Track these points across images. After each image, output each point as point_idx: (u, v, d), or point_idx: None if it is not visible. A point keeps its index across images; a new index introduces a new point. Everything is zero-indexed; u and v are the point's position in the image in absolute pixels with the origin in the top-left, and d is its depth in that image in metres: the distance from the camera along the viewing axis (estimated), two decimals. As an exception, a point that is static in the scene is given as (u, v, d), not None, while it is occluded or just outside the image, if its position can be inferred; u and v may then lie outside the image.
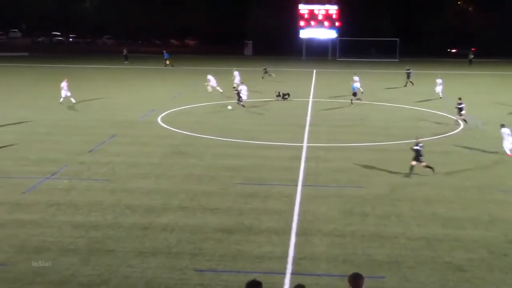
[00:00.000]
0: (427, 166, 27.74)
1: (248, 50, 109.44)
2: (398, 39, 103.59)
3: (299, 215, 22.52)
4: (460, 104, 39.72)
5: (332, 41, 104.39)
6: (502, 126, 32.36)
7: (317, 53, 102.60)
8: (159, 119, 41.73)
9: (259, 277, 17.09)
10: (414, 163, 27.70)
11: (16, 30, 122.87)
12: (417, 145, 27.62)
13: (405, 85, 62.06)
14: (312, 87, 61.16)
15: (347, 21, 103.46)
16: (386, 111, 46.78)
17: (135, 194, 24.81)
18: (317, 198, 24.57)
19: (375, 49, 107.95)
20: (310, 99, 52.10)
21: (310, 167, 29.43)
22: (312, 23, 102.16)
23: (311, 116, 43.97)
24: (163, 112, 44.21)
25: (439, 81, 53.56)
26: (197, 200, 24.10)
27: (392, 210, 23.13)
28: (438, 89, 53.29)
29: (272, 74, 67.58)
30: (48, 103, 48.00)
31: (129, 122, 40.53)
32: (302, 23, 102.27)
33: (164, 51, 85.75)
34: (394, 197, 24.80)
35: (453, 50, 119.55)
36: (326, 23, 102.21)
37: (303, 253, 19.00)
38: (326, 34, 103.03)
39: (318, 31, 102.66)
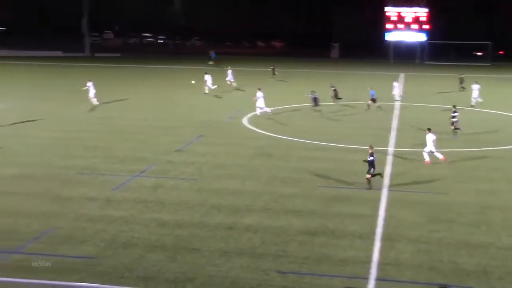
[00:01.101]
0: (368, 180, 26.00)
1: (335, 52, 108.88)
2: (490, 42, 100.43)
3: (383, 220, 22.21)
4: (454, 112, 37.29)
5: (420, 44, 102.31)
6: (429, 130, 30.51)
7: (404, 56, 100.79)
8: (245, 120, 42.08)
9: (342, 282, 17.05)
10: (368, 176, 26.10)
11: (109, 32, 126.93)
12: (371, 155, 26.10)
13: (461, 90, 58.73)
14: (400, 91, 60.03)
15: (434, 24, 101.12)
16: (477, 117, 45.40)
17: (221, 194, 25.12)
18: (402, 203, 24.15)
19: (466, 52, 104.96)
20: (397, 103, 51.26)
21: (395, 171, 28.96)
22: (400, 25, 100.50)
23: (398, 120, 43.24)
24: (249, 113, 44.54)
25: (475, 86, 50.28)
26: (281, 202, 24.15)
27: (481, 218, 22.45)
28: (475, 94, 49.89)
29: (276, 73, 67.23)
30: (137, 102, 49.22)
31: (215, 123, 41.06)
32: (389, 25, 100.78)
33: (211, 52, 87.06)
34: (483, 204, 24.07)
35: None
36: (414, 26, 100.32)
37: (388, 258, 18.72)
38: (414, 37, 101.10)
39: (406, 34, 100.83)
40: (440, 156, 30.28)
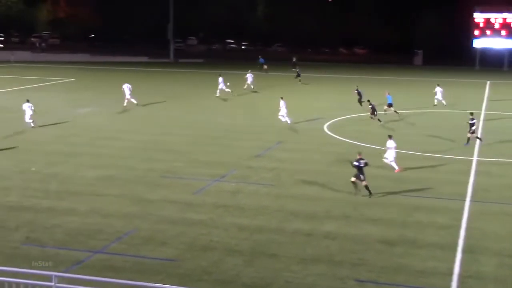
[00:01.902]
0: (366, 187, 25.39)
1: (418, 59, 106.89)
2: None
3: (466, 231, 21.64)
4: (472, 120, 35.86)
5: (508, 51, 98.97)
6: (390, 137, 29.83)
7: (491, 63, 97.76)
8: (325, 127, 41.91)
9: (421, 293, 16.69)
10: (353, 179, 25.53)
11: (193, 38, 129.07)
12: (357, 161, 25.37)
13: None
14: (484, 99, 58.39)
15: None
16: None
17: (299, 200, 25.11)
18: (486, 215, 23.46)
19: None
20: (482, 111, 49.81)
21: (479, 182, 28.17)
22: (488, 32, 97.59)
23: (483, 129, 42.02)
24: (329, 120, 44.33)
25: (437, 89, 52.05)
26: (360, 210, 23.92)
27: None
28: (438, 96, 51.58)
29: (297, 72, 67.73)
30: (220, 107, 49.82)
31: (295, 129, 41.08)
32: (476, 32, 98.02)
33: (259, 56, 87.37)
34: None
35: None
36: (503, 32, 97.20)
37: (469, 271, 18.22)
38: (503, 43, 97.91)
39: (495, 41, 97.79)
40: (396, 166, 29.64)
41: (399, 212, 23.70)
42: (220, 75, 56.56)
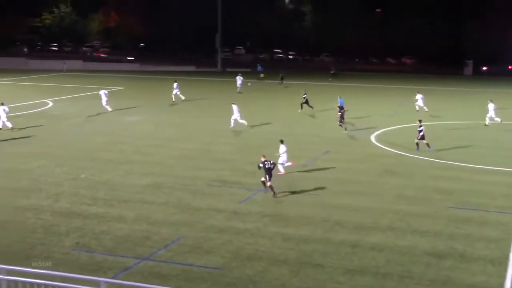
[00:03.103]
0: (270, 187, 26.82)
1: (468, 69, 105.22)
2: None
3: (517, 245, 21.14)
4: (420, 127, 36.58)
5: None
6: (281, 142, 30.95)
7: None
8: (373, 137, 41.55)
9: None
10: (263, 179, 27.06)
11: (241, 47, 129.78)
12: (262, 163, 26.95)
13: None
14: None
15: None
16: None
17: (345, 211, 24.94)
18: (538, 229, 22.89)
19: None
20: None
21: (531, 195, 27.52)
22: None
23: (535, 140, 41.06)
24: (377, 130, 43.94)
25: (418, 96, 52.99)
26: (407, 221, 23.61)
27: None
28: (419, 103, 52.52)
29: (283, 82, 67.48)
30: (267, 116, 49.85)
31: (342, 139, 40.85)
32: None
33: (258, 64, 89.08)
34: None
35: None
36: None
37: (520, 286, 17.79)
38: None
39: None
40: (281, 170, 30.54)
41: (448, 224, 23.32)
42: (175, 81, 57.67)
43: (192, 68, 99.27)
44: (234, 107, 44.53)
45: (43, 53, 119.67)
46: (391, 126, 46.10)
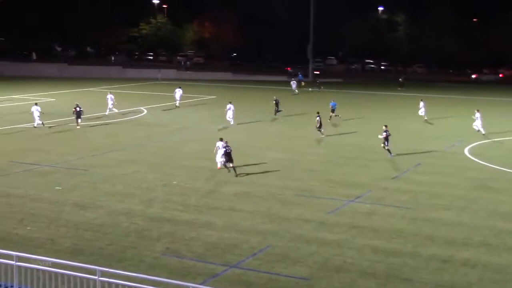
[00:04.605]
0: (234, 168, 31.83)
1: None
2: None
3: None
4: (385, 131, 37.56)
5: None
6: (220, 139, 33.17)
7: None
8: (466, 150, 40.39)
9: None
10: (219, 165, 32.24)
11: (332, 57, 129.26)
12: (223, 148, 31.73)
13: None
14: None
15: None
16: None
17: (436, 225, 24.37)
18: None
19: None
20: None
21: None
22: None
23: None
24: (471, 143, 42.67)
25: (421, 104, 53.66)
26: (502, 238, 22.82)
27: None
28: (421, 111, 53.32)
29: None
30: (358, 127, 49.42)
31: (435, 152, 39.92)
32: None
33: (298, 73, 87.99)
34: None
35: None
36: None
37: None
38: None
39: None
40: (219, 165, 32.99)
41: (545, 242, 22.37)
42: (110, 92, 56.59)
43: (283, 78, 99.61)
44: (230, 106, 49.14)
45: (140, 62, 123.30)
46: (486, 139, 44.61)
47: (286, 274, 19.25)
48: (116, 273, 14.15)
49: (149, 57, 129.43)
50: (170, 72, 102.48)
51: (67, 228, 23.55)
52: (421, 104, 54.30)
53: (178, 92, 60.29)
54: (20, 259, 14.37)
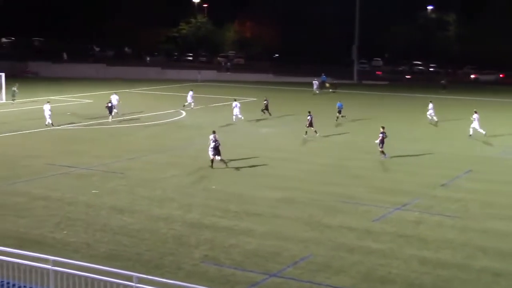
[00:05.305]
0: (223, 161, 34.39)
1: None
2: None
3: None
4: (382, 133, 37.82)
5: None
6: (213, 132, 35.22)
7: None
8: (520, 157, 39.66)
9: None
10: (212, 157, 34.28)
11: (378, 59, 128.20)
12: (213, 142, 34.16)
13: None
14: None
15: None
16: None
17: (488, 236, 23.96)
18: None
19: None
20: None
21: None
22: None
23: None
24: (525, 150, 41.89)
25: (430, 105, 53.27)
26: (558, 251, 22.30)
27: None
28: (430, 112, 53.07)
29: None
30: (406, 132, 48.94)
31: (487, 158, 39.28)
32: None
33: (322, 74, 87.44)
34: None
35: None
36: None
37: None
38: None
39: None
40: (211, 156, 34.68)
41: None
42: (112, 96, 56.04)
43: (328, 80, 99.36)
44: (236, 103, 52.03)
45: (179, 63, 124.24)
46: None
47: (328, 284, 19.13)
48: (153, 280, 14.26)
49: (189, 58, 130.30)
50: (210, 73, 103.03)
51: (104, 232, 23.84)
52: (430, 105, 53.52)
53: (190, 94, 61.49)
54: (56, 263, 14.58)
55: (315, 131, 45.32)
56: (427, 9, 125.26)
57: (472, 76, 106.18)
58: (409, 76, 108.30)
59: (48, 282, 14.56)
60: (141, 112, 55.61)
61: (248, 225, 24.93)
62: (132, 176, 33.09)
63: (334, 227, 24.90)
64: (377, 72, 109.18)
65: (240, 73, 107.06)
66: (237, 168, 34.94)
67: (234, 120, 51.70)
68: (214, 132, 35.18)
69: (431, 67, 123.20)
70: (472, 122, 46.16)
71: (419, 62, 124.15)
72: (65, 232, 23.84)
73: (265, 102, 56.01)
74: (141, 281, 13.90)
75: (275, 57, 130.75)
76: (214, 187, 30.97)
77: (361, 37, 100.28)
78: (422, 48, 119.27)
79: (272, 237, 23.49)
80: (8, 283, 15.13)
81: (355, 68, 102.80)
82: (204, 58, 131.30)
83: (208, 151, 34.88)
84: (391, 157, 37.85)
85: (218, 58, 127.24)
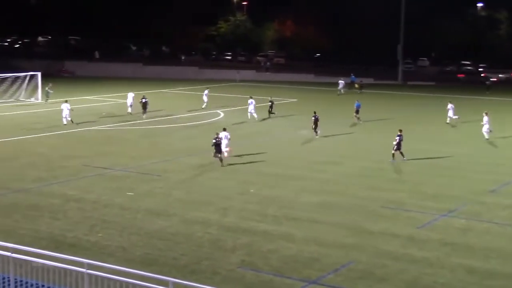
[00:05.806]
0: (220, 159, 35.42)
1: None
2: None
3: None
4: (398, 135, 38.04)
5: None
6: (224, 129, 37.27)
7: None
8: None
9: None
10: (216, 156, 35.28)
11: (425, 59, 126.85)
12: (214, 139, 35.30)
13: None
14: None
15: None
16: None
17: (539, 245, 23.53)
18: None
19: None
20: None
21: None
22: None
23: None
24: None
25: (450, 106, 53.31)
26: None
27: None
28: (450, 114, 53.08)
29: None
30: (451, 136, 48.37)
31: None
32: None
33: (351, 74, 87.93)
34: None
35: None
36: None
37: None
38: None
39: None
40: (225, 154, 36.32)
41: None
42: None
43: (370, 81, 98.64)
44: (252, 100, 53.79)
45: (218, 62, 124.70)
46: None
47: (371, 293, 19.00)
48: (189, 285, 14.32)
49: (227, 57, 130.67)
50: (249, 73, 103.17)
51: (139, 236, 24.05)
52: (449, 106, 53.31)
53: (205, 92, 62.48)
54: (91, 266, 14.75)
55: (316, 132, 45.73)
56: (476, 6, 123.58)
57: None
58: (462, 75, 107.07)
59: (83, 286, 14.73)
60: (179, 113, 55.88)
61: (287, 230, 24.90)
62: (168, 178, 33.34)
63: (376, 233, 24.71)
64: (458, 75, 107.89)
65: (280, 73, 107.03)
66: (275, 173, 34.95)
67: (248, 117, 53.14)
68: (225, 130, 37.25)
69: (481, 67, 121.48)
70: (482, 126, 45.94)
71: (468, 62, 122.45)
72: (100, 235, 24.11)
73: (269, 103, 56.45)
74: (177, 286, 13.96)
75: (316, 57, 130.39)
76: (252, 190, 31.01)
77: (406, 36, 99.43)
78: (471, 47, 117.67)
79: (312, 243, 23.42)
80: (43, 285, 15.36)
81: (400, 68, 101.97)
82: (243, 58, 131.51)
83: (222, 148, 36.14)
84: (406, 159, 37.41)
85: (258, 58, 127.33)
